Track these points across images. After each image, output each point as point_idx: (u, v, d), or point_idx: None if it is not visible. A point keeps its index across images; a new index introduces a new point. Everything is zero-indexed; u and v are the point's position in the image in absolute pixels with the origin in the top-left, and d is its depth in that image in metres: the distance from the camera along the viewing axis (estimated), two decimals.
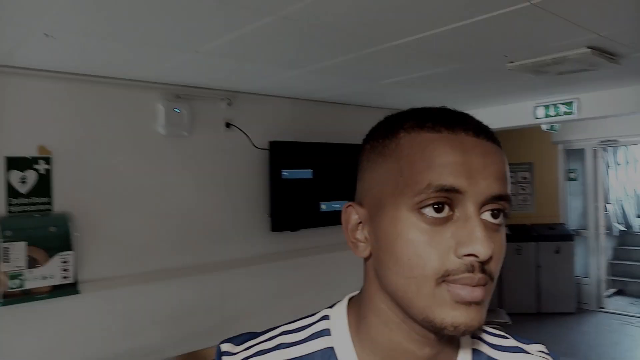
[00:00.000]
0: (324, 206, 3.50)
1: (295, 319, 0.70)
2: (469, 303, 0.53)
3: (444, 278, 0.53)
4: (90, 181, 2.61)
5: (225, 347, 0.67)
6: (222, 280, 3.12)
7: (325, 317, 0.68)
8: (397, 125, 0.60)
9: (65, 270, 2.38)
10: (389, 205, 0.57)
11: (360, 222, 0.62)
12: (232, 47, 2.18)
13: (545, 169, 6.58)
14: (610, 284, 7.00)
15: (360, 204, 0.63)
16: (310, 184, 3.44)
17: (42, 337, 2.43)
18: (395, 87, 3.23)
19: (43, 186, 2.46)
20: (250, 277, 3.26)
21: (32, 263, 2.31)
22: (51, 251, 2.37)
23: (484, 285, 0.54)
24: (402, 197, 0.56)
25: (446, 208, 0.54)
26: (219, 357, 0.66)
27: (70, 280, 2.40)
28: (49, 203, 2.47)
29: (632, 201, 8.03)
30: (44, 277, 2.33)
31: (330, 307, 0.70)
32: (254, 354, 0.65)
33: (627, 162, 7.98)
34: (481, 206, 0.55)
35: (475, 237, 0.53)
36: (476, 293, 0.53)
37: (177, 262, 2.92)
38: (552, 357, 0.71)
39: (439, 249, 0.54)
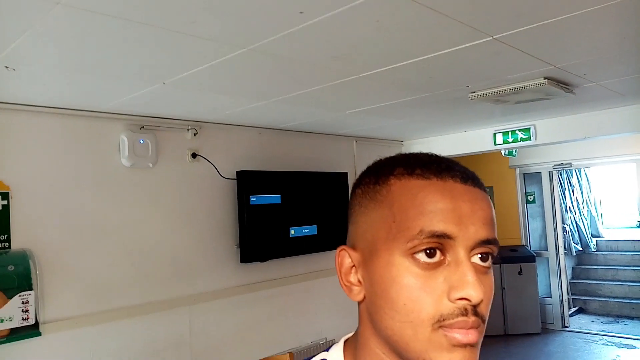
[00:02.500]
0: (293, 231, 3.48)
1: None
2: (464, 345, 0.55)
3: (440, 323, 0.55)
4: (51, 216, 2.52)
5: None
6: (190, 315, 3.03)
7: None
8: (387, 171, 0.62)
9: (25, 311, 2.27)
10: (383, 250, 0.58)
11: (353, 266, 0.63)
12: (199, 78, 2.17)
13: (504, 192, 6.76)
14: (572, 302, 7.19)
15: (353, 248, 0.64)
16: (279, 209, 3.43)
17: None
18: (361, 115, 3.28)
19: (0, 222, 2.35)
20: (220, 311, 3.18)
21: None
22: (10, 292, 2.25)
23: (477, 327, 0.56)
24: (395, 242, 0.57)
25: (438, 253, 0.56)
26: None
27: (30, 322, 2.28)
28: (7, 240, 2.36)
29: (587, 222, 8.35)
30: (2, 320, 2.20)
31: (327, 350, 0.69)
32: None
33: (581, 185, 8.32)
34: (470, 250, 0.57)
35: (467, 282, 0.55)
36: (471, 336, 0.55)
37: (143, 298, 2.82)
38: None
39: (433, 294, 0.55)
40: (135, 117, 2.84)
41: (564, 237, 7.04)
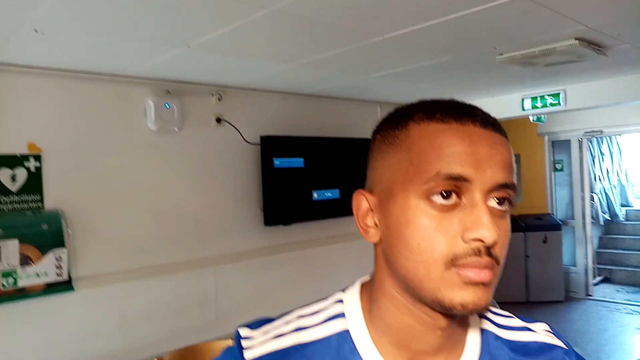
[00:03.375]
0: (315, 195, 3.51)
1: (309, 303, 0.72)
2: (476, 283, 0.56)
3: (453, 262, 0.56)
4: (81, 178, 2.60)
5: (243, 331, 0.69)
6: (216, 275, 3.12)
7: (339, 301, 0.70)
8: (407, 116, 0.62)
9: (59, 267, 2.37)
10: (399, 192, 0.59)
11: (370, 209, 0.65)
12: (223, 41, 2.17)
13: (532, 160, 6.65)
14: (597, 272, 7.12)
15: (371, 192, 0.65)
16: (302, 172, 3.45)
17: (37, 335, 2.42)
18: (385, 80, 3.24)
19: (34, 184, 2.44)
20: (244, 272, 3.26)
21: (25, 261, 2.29)
22: (44, 248, 2.35)
23: (490, 268, 0.56)
24: (411, 185, 0.58)
25: (454, 195, 0.57)
26: (238, 341, 0.67)
27: (64, 278, 2.39)
28: (40, 200, 2.45)
29: (616, 191, 8.17)
30: (38, 275, 2.31)
31: (343, 290, 0.71)
32: (272, 337, 0.67)
33: (612, 153, 8.11)
34: (487, 194, 0.57)
35: (482, 223, 0.55)
36: (484, 274, 0.56)
37: (170, 257, 2.91)
38: (555, 335, 0.73)
39: (447, 234, 0.56)
40: (161, 82, 2.87)
41: (592, 206, 6.92)
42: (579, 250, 6.49)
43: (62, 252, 2.40)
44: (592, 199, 6.90)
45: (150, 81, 2.83)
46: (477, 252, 0.55)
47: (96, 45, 2.16)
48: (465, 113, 0.60)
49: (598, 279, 7.09)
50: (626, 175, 8.54)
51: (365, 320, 0.66)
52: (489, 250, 0.56)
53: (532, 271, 6.15)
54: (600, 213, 7.60)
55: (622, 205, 8.21)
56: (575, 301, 6.25)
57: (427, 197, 0.57)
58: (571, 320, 5.54)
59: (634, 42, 2.59)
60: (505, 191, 0.58)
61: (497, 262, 0.57)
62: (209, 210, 3.11)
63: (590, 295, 6.41)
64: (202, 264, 3.06)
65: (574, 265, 6.50)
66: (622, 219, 8.02)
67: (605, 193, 7.86)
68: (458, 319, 0.64)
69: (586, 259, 6.46)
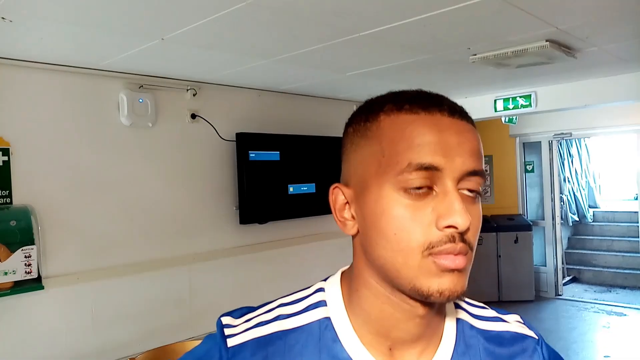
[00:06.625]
0: (291, 189, 3.50)
1: (291, 292, 0.72)
2: (452, 270, 0.58)
3: (429, 250, 0.57)
4: (52, 173, 2.54)
5: (225, 320, 0.69)
6: (190, 273, 3.09)
7: (320, 290, 0.71)
8: (377, 108, 0.63)
9: (28, 265, 2.31)
10: (373, 184, 0.61)
11: (347, 202, 0.66)
12: (199, 34, 2.16)
13: (503, 161, 6.77)
14: (566, 272, 7.29)
15: (347, 185, 0.66)
16: (278, 166, 3.45)
17: (6, 335, 2.36)
18: (360, 78, 3.26)
19: (1, 178, 2.37)
20: (219, 271, 3.24)
21: None
22: (12, 246, 2.29)
23: (465, 254, 0.58)
24: (385, 176, 0.59)
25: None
26: (220, 329, 0.67)
27: (33, 276, 2.32)
28: (8, 196, 2.38)
29: (585, 192, 8.39)
30: (6, 273, 2.24)
31: (324, 280, 0.72)
32: (254, 325, 0.67)
33: (580, 155, 8.33)
34: (458, 181, 0.59)
35: (454, 210, 0.57)
36: (459, 261, 0.57)
37: (144, 255, 2.87)
38: (527, 325, 0.76)
39: (422, 223, 0.58)
40: (134, 76, 2.83)
41: (561, 207, 7.09)
42: (549, 251, 6.63)
43: (32, 250, 2.34)
44: (561, 200, 7.06)
45: (123, 75, 2.78)
46: (452, 239, 0.57)
47: (66, 35, 2.12)
48: (433, 103, 0.61)
49: (567, 278, 7.26)
50: (594, 177, 8.78)
51: (346, 309, 0.67)
52: (462, 237, 0.58)
53: (503, 271, 6.26)
54: (569, 214, 7.79)
55: (590, 207, 8.43)
56: (546, 300, 6.39)
57: (401, 188, 0.58)
58: (541, 319, 5.66)
59: (602, 45, 2.67)
60: (475, 178, 0.60)
61: (471, 247, 0.59)
62: (183, 208, 3.08)
63: (560, 295, 6.56)
64: (176, 263, 3.02)
65: (544, 265, 6.64)
66: (589, 220, 8.24)
67: (574, 194, 8.06)
68: (436, 308, 0.65)
69: (556, 259, 6.61)
